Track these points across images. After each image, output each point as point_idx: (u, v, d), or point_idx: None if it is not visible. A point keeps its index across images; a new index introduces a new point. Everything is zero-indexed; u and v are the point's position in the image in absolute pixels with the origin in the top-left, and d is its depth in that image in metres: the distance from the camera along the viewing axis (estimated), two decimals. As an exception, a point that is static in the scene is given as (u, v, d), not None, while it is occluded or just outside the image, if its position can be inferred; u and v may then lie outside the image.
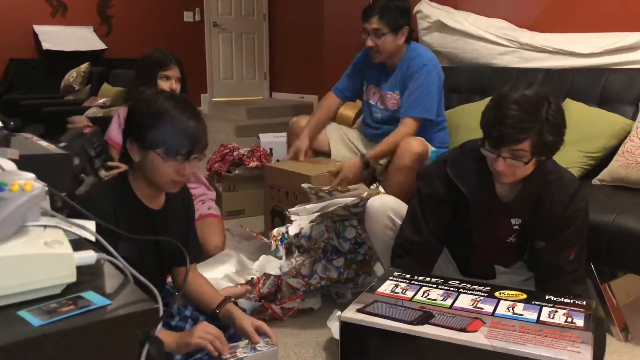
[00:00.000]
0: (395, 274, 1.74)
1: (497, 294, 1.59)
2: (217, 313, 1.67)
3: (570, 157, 2.53)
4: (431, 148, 2.68)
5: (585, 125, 2.60)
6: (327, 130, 3.04)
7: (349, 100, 3.09)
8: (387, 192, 2.25)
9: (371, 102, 2.93)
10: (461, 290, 1.62)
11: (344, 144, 3.02)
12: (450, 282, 1.67)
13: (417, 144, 2.56)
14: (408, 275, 1.72)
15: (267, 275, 2.14)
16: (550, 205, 1.71)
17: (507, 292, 1.59)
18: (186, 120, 1.50)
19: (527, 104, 1.56)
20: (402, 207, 2.01)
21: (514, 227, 1.80)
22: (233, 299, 1.71)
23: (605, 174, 2.44)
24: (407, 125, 2.68)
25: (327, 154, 3.01)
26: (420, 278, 1.70)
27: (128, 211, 1.56)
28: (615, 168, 2.40)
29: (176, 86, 2.50)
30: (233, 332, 1.70)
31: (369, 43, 2.76)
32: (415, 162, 2.52)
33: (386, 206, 2.00)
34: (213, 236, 2.54)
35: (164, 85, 2.47)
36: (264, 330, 1.63)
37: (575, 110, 2.71)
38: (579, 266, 1.76)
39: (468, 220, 1.80)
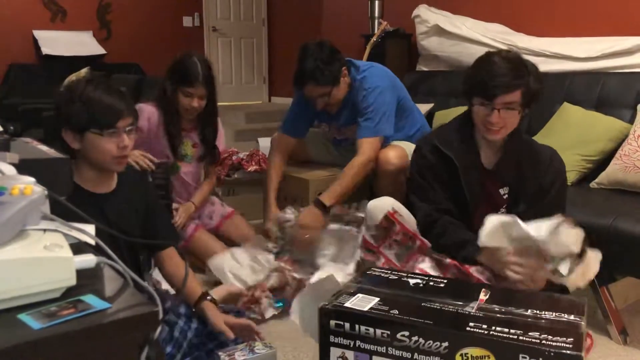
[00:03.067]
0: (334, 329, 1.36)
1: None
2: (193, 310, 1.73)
3: (568, 161, 2.52)
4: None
5: (583, 129, 2.61)
6: (305, 138, 2.98)
7: (301, 137, 2.90)
8: (376, 191, 2.38)
9: (331, 137, 2.88)
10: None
11: (324, 149, 3.00)
12: (399, 338, 1.30)
13: (394, 155, 2.52)
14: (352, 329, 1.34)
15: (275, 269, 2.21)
16: (531, 169, 1.84)
17: (469, 354, 1.25)
18: (108, 96, 1.63)
19: (512, 59, 1.79)
20: (400, 206, 2.07)
21: (504, 197, 1.89)
22: (210, 297, 1.74)
23: (603, 177, 2.44)
24: (364, 149, 2.52)
25: (308, 161, 3.00)
26: (363, 331, 1.33)
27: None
28: (613, 171, 2.41)
29: (199, 104, 2.42)
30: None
31: (319, 106, 2.60)
32: (397, 170, 2.50)
33: (386, 204, 2.06)
34: (247, 230, 2.74)
35: (184, 100, 2.42)
36: (242, 327, 1.71)
37: (572, 114, 2.72)
38: None
39: (463, 191, 1.88)
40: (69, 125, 1.63)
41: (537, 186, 1.84)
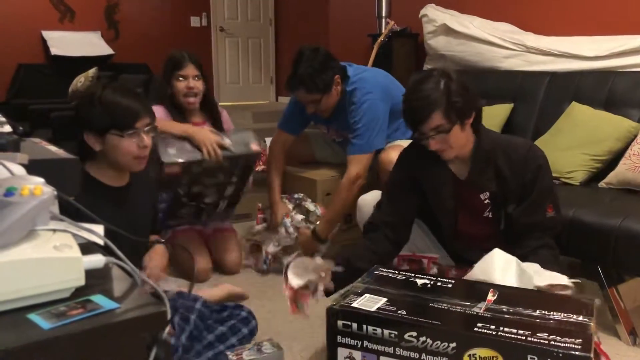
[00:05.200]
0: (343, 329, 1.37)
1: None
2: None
3: (577, 160, 2.53)
4: None
5: (592, 129, 2.59)
6: (310, 139, 3.01)
7: (297, 134, 2.92)
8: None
9: (331, 138, 2.88)
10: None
11: (330, 149, 3.01)
12: (407, 338, 1.29)
13: (395, 155, 2.48)
14: (360, 329, 1.35)
15: None
16: (510, 170, 1.81)
17: (477, 354, 1.24)
18: (125, 98, 1.71)
19: (417, 85, 1.77)
20: None
21: (485, 202, 1.87)
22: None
23: (611, 177, 2.43)
24: (351, 169, 2.53)
25: (314, 162, 3.02)
26: (371, 331, 1.34)
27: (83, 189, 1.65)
28: (622, 171, 2.40)
29: (194, 84, 2.47)
30: (233, 325, 1.73)
31: (310, 110, 2.62)
32: None
33: (376, 199, 2.11)
34: (231, 253, 2.65)
35: (180, 85, 2.47)
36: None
37: (581, 113, 2.71)
38: (558, 222, 1.86)
39: (435, 205, 1.91)
40: (90, 128, 1.71)
41: (520, 184, 1.82)
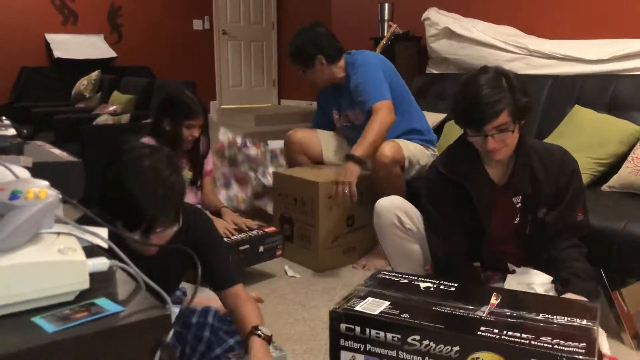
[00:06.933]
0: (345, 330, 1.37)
1: None
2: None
3: (580, 164, 2.51)
4: (414, 147, 2.74)
5: (595, 132, 2.59)
6: (320, 139, 3.07)
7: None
8: (376, 187, 2.63)
9: (341, 124, 3.01)
10: None
11: (337, 149, 3.06)
12: (410, 342, 1.29)
13: (388, 147, 2.63)
14: (364, 331, 1.35)
15: None
16: (545, 173, 1.81)
17: (481, 358, 1.23)
18: (144, 192, 1.36)
19: (490, 82, 1.70)
20: (409, 206, 2.09)
21: (517, 206, 1.86)
22: (259, 331, 1.55)
23: (614, 180, 2.43)
24: (379, 108, 2.65)
25: (320, 162, 3.06)
26: (374, 335, 1.33)
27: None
28: (625, 174, 2.39)
29: (198, 133, 2.49)
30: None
31: (302, 75, 2.94)
32: (392, 162, 2.62)
33: (394, 205, 2.08)
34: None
35: (186, 132, 2.45)
36: None
37: (584, 117, 2.71)
38: (586, 225, 1.86)
39: (475, 211, 1.86)
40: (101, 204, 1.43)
41: (554, 188, 1.81)
